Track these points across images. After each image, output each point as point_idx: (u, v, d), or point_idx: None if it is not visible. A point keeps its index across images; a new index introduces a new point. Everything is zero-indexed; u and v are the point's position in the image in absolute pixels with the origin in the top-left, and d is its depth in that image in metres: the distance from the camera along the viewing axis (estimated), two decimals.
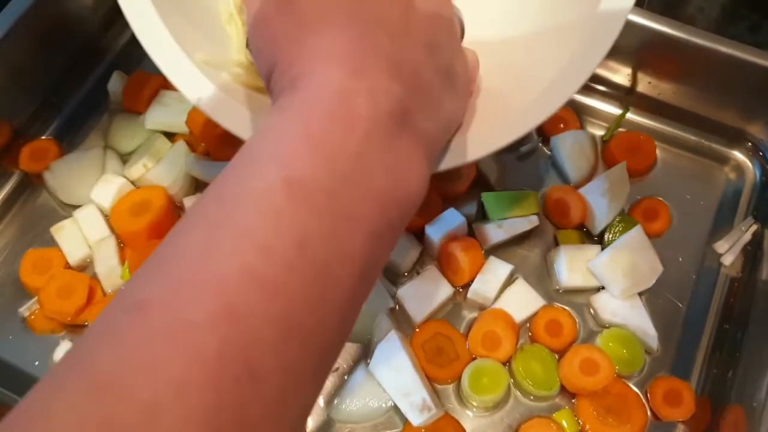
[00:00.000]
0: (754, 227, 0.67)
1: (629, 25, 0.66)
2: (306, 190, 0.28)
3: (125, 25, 0.74)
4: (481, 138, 0.44)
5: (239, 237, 0.27)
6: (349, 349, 0.61)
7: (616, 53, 0.70)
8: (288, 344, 0.26)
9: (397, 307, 0.63)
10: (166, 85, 0.71)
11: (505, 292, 0.63)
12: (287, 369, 0.26)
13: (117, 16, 0.74)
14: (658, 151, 0.71)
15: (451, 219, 0.64)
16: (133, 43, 0.75)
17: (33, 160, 0.69)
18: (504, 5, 0.53)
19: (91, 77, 0.74)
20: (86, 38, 0.73)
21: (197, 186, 0.67)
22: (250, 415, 0.24)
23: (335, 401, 0.59)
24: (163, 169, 0.66)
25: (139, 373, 0.23)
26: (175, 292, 0.25)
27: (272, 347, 0.25)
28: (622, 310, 0.63)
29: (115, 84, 0.71)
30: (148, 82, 0.70)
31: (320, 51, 0.33)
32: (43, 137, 0.71)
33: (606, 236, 0.65)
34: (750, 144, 0.71)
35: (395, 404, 0.58)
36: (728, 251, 0.66)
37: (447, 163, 0.44)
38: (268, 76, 0.36)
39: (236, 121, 0.45)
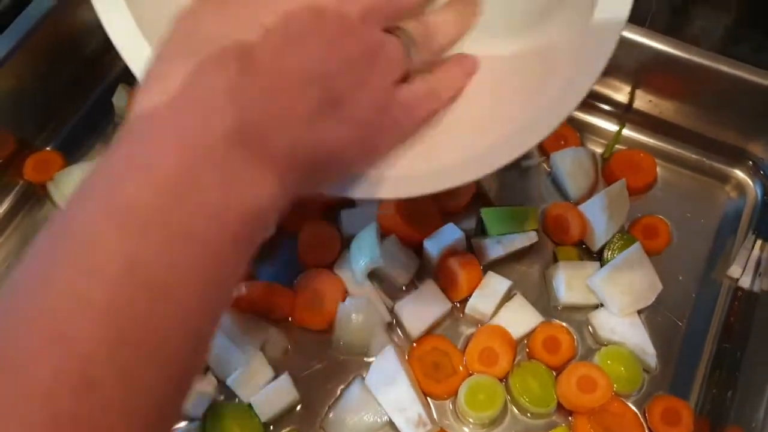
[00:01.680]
0: (759, 242, 0.67)
1: (630, 44, 0.67)
2: (130, 214, 0.29)
3: None
4: (456, 163, 0.44)
5: (68, 267, 0.29)
6: (345, 363, 0.61)
7: (617, 71, 0.70)
8: (126, 356, 0.28)
9: (394, 322, 0.63)
10: None
11: (503, 308, 0.63)
12: (127, 378, 0.28)
13: None
14: (658, 169, 0.71)
15: (450, 234, 0.64)
16: None
17: (37, 171, 0.69)
18: (488, 21, 0.50)
19: (96, 90, 0.75)
20: (92, 52, 0.74)
21: None
22: (89, 419, 0.26)
23: (330, 415, 0.59)
24: None
25: None
26: (9, 327, 0.28)
27: (108, 360, 0.27)
28: (621, 327, 0.62)
29: (120, 97, 0.72)
30: None
31: (161, 73, 0.34)
32: (48, 148, 0.72)
33: (605, 253, 0.65)
34: (751, 163, 0.71)
35: (390, 419, 0.58)
36: (743, 274, 0.66)
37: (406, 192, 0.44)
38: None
39: None
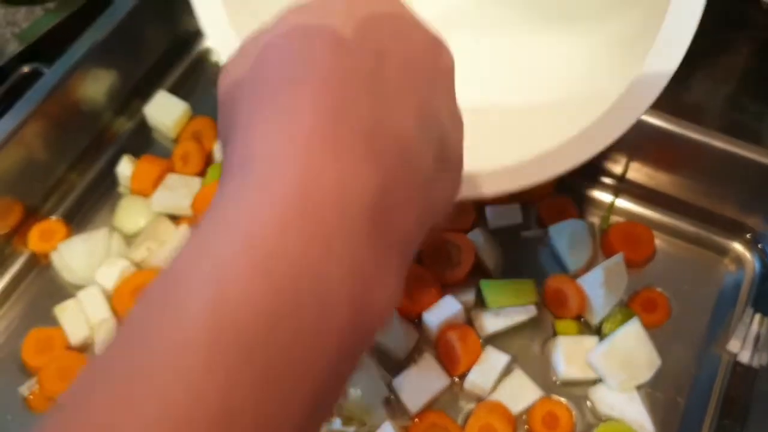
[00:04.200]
0: (758, 317, 0.67)
1: None
2: (241, 337, 0.22)
3: (135, 111, 0.78)
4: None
5: (147, 409, 0.21)
6: None
7: (615, 145, 0.71)
8: None
9: (392, 397, 0.63)
10: (172, 168, 0.73)
11: (502, 383, 0.63)
12: None
13: (128, 104, 0.77)
14: (657, 242, 0.71)
15: (449, 306, 0.64)
16: (142, 128, 0.78)
17: (42, 240, 0.70)
18: (532, 65, 0.50)
19: (101, 160, 0.76)
20: (98, 124, 0.76)
21: None
22: None
23: None
24: (166, 252, 0.67)
25: None
26: None
27: None
28: (620, 403, 0.62)
29: (124, 167, 0.73)
30: (156, 165, 0.72)
31: (282, 124, 0.26)
32: (53, 218, 0.73)
33: (604, 327, 0.65)
34: (749, 236, 0.71)
35: None
36: (742, 348, 0.66)
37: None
38: (223, 143, 0.29)
39: None
